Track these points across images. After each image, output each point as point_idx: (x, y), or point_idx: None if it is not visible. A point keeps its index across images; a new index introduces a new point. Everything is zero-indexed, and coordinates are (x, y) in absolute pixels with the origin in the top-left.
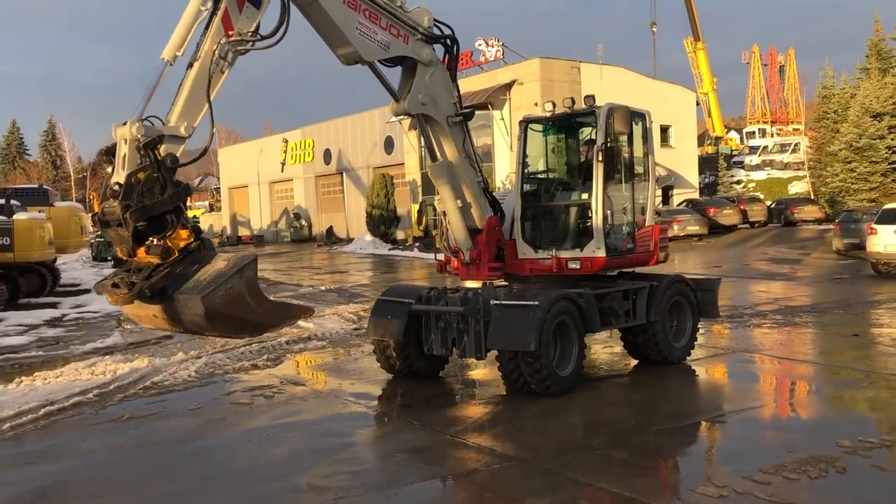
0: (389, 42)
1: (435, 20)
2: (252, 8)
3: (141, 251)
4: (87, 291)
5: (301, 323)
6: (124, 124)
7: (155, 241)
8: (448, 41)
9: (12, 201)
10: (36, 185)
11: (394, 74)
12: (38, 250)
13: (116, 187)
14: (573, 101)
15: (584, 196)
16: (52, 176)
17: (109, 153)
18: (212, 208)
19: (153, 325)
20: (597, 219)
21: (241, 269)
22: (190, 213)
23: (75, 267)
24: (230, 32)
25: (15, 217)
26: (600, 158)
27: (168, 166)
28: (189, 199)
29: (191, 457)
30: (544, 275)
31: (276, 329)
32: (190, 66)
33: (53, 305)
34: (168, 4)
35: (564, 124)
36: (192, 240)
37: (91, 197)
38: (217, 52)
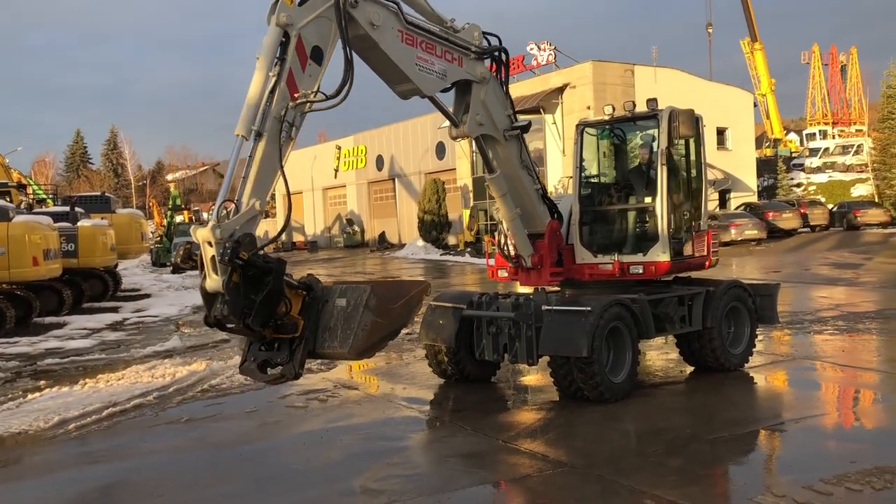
0: (446, 70)
1: (483, 32)
2: (314, 65)
3: (268, 331)
4: (147, 296)
5: None
6: (203, 225)
7: (281, 322)
8: (499, 53)
9: (76, 209)
10: (98, 193)
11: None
12: (101, 256)
13: (224, 305)
14: (634, 105)
15: (648, 200)
16: (113, 183)
17: (189, 258)
18: (267, 214)
19: None
20: (661, 223)
21: (365, 305)
22: None
23: (136, 272)
24: (296, 95)
25: (79, 224)
26: (664, 162)
27: (261, 264)
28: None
29: (247, 459)
30: (605, 280)
31: (410, 324)
32: (258, 135)
33: (115, 310)
34: (226, 20)
35: (623, 128)
36: (305, 296)
37: (151, 204)
38: (285, 118)
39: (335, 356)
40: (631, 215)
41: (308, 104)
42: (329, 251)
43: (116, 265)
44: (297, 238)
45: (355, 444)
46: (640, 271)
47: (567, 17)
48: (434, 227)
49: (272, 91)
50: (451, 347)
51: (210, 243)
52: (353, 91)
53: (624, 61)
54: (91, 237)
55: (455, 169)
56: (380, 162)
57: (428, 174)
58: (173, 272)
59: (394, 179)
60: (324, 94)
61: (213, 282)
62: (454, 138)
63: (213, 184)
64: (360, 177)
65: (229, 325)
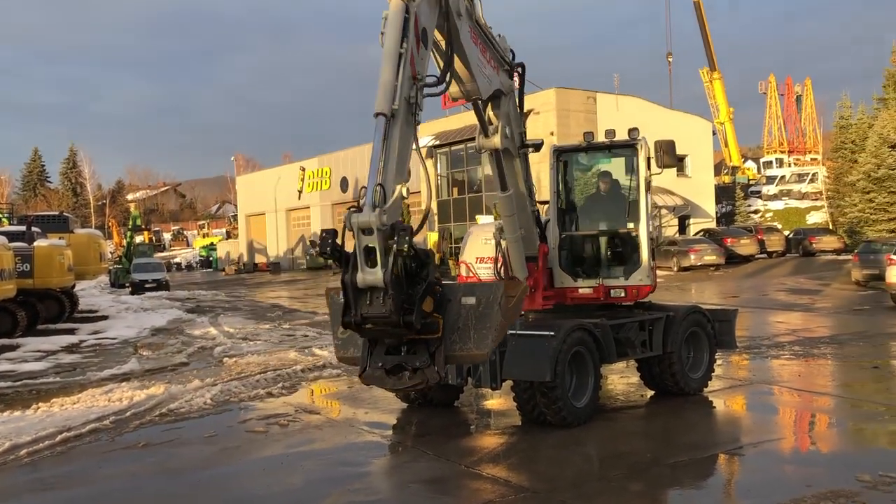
0: (490, 76)
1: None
2: (423, 48)
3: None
4: (105, 318)
5: (316, 351)
6: (358, 211)
7: (426, 320)
8: (520, 68)
9: (33, 228)
10: (56, 213)
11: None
12: (58, 276)
13: (389, 300)
14: (614, 133)
15: (631, 225)
16: (72, 203)
17: (335, 251)
18: (228, 235)
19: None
20: (643, 248)
21: (499, 304)
22: (207, 241)
23: (93, 293)
24: (416, 76)
25: (35, 244)
26: (647, 189)
27: (422, 256)
28: (207, 226)
29: (206, 485)
30: (586, 303)
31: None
32: (392, 116)
33: (71, 331)
34: (183, 40)
35: (598, 154)
36: (440, 292)
37: (110, 224)
38: (415, 99)
39: (469, 358)
40: (613, 241)
41: (424, 86)
42: (292, 273)
43: (74, 286)
44: (260, 259)
45: (316, 470)
46: (623, 295)
47: (530, 44)
48: None
49: (402, 70)
50: None
51: (368, 231)
52: (319, 111)
53: (586, 89)
54: (47, 257)
55: (419, 192)
56: (344, 184)
57: None
58: (133, 293)
59: (358, 201)
60: (435, 76)
61: (371, 275)
62: (480, 150)
63: (174, 204)
64: (324, 198)
65: (370, 326)
